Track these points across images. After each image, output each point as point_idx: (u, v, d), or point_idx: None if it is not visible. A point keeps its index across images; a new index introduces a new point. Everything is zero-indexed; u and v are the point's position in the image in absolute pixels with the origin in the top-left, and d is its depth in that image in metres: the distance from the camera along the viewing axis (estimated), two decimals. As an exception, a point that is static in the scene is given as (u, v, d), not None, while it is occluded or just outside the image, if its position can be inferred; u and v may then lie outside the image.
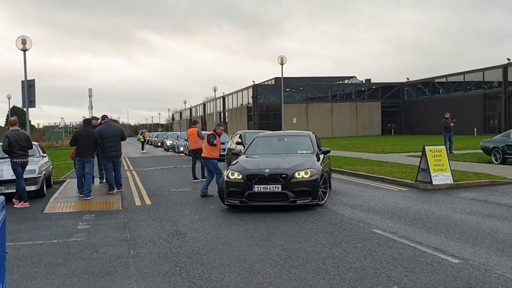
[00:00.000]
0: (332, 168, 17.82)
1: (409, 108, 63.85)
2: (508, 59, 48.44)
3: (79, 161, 12.65)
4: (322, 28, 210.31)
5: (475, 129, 48.90)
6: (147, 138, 52.91)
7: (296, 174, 9.78)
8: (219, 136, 13.08)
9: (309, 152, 11.21)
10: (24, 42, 18.37)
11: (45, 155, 15.27)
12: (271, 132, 15.83)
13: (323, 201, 10.23)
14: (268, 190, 9.71)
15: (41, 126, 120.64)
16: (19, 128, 11.79)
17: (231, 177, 10.03)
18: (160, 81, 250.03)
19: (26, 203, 11.36)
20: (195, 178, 15.97)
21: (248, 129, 62.58)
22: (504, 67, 48.63)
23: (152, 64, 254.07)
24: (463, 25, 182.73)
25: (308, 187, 9.77)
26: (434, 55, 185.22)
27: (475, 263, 5.92)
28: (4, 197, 4.64)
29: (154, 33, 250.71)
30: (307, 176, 9.80)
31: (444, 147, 13.93)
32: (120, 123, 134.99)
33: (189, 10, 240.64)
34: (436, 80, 59.43)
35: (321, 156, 11.22)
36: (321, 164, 10.60)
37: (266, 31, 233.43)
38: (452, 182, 12.78)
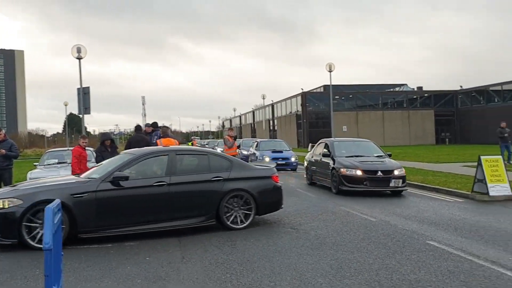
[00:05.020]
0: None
1: (463, 117, 61.86)
2: None
3: None
4: (359, 33, 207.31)
5: (534, 138, 46.77)
6: (196, 145, 53.56)
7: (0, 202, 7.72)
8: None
9: None
10: (79, 50, 19.17)
11: (100, 161, 15.70)
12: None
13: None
14: None
15: (96, 133, 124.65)
16: None
17: None
18: (202, 89, 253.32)
19: None
20: None
21: (298, 137, 62.58)
22: None
23: (191, 71, 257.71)
24: (508, 30, 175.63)
25: None
26: (480, 61, 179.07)
27: (537, 279, 5.66)
28: (60, 200, 4.81)
29: (187, 39, 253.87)
30: (6, 206, 7.61)
31: (501, 157, 13.43)
32: (172, 130, 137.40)
33: (218, 16, 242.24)
34: (491, 88, 57.33)
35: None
36: (91, 192, 8.02)
37: (300, 36, 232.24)
38: (511, 193, 12.28)
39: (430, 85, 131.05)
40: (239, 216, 9.04)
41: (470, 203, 11.93)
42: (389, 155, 14.92)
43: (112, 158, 9.67)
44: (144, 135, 13.63)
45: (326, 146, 15.57)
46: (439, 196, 13.19)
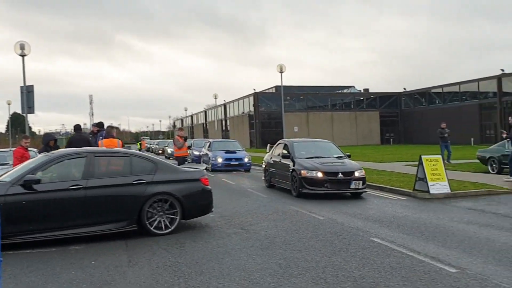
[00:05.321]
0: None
1: (406, 118, 64.02)
2: (502, 70, 48.62)
3: None
4: (307, 36, 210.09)
5: (472, 139, 48.92)
6: (145, 146, 52.72)
7: None
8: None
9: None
10: (22, 47, 18.55)
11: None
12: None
13: None
14: None
15: (42, 133, 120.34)
16: None
17: None
18: (152, 88, 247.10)
19: None
20: None
21: (250, 138, 62.80)
22: (498, 78, 48.81)
23: (140, 69, 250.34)
24: (449, 34, 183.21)
25: None
26: (423, 65, 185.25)
27: (472, 272, 5.96)
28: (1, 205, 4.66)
29: (134, 37, 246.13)
30: None
31: (440, 156, 14.01)
32: (121, 130, 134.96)
33: (167, 14, 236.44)
34: (432, 90, 59.71)
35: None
36: None
37: (251, 37, 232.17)
38: (449, 191, 12.83)
39: (375, 87, 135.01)
40: (164, 221, 8.64)
41: (412, 200, 12.39)
42: (349, 156, 14.69)
43: (30, 160, 9.30)
44: (85, 135, 13.37)
45: (286, 147, 15.06)
46: (383, 194, 13.61)
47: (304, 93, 65.37)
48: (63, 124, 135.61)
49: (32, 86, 18.77)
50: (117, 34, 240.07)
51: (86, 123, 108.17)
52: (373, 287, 5.50)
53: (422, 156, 13.22)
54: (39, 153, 12.26)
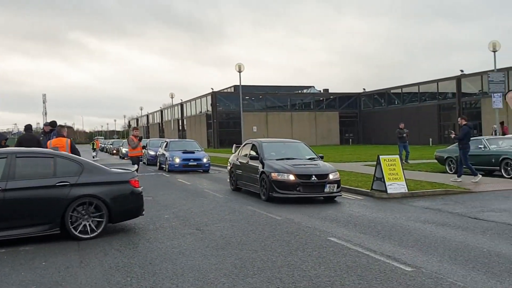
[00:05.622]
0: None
1: (366, 118, 65.19)
2: (461, 71, 50.07)
3: None
4: (266, 35, 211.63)
5: (431, 139, 50.22)
6: (99, 145, 51.83)
7: None
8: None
9: None
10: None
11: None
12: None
13: None
14: None
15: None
16: None
17: None
18: (107, 87, 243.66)
19: None
20: None
21: (208, 138, 62.41)
22: (458, 79, 50.29)
23: (94, 68, 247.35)
24: (408, 34, 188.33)
25: None
26: (382, 65, 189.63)
27: (427, 271, 6.01)
28: None
29: (87, 34, 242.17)
30: None
31: (398, 156, 14.20)
32: (75, 130, 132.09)
33: (123, 12, 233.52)
34: (392, 91, 60.99)
35: None
36: None
37: (209, 36, 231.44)
38: (407, 191, 13.02)
39: (335, 88, 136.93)
40: (90, 224, 8.28)
41: (370, 200, 12.51)
42: (321, 157, 13.97)
43: None
44: (35, 135, 13.11)
45: (254, 148, 14.16)
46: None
47: (263, 93, 65.61)
48: (15, 124, 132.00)
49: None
50: (70, 31, 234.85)
51: (40, 123, 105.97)
52: (329, 286, 5.46)
53: (380, 156, 13.37)
54: None
